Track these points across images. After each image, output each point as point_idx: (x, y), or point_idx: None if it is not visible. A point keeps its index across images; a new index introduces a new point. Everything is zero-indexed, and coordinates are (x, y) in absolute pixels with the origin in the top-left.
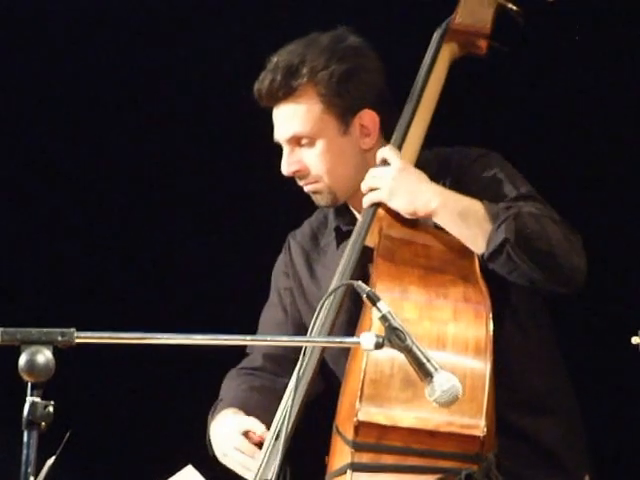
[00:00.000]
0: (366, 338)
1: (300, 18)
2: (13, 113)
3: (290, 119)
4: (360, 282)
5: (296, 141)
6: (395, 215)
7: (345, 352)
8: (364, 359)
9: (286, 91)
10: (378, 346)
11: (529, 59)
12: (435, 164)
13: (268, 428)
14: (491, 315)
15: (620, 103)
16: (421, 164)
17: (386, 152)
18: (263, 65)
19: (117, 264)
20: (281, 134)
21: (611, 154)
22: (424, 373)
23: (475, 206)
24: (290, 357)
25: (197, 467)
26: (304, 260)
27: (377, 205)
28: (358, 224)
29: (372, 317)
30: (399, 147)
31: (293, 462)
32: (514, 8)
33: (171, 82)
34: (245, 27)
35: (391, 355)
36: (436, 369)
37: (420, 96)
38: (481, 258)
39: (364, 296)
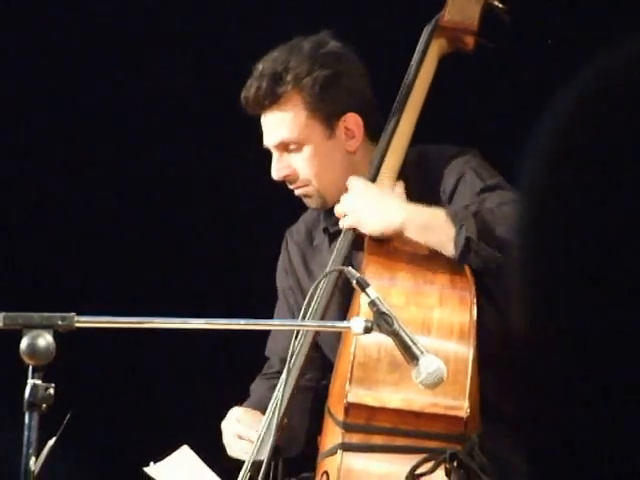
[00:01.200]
0: (356, 322)
1: (290, 17)
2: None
3: (277, 126)
4: (350, 268)
5: (284, 147)
6: None
7: (339, 339)
8: (353, 343)
9: (272, 99)
10: (367, 330)
11: (514, 55)
12: (415, 161)
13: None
14: (475, 301)
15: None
16: (405, 161)
17: (350, 180)
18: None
19: (120, 252)
20: (269, 140)
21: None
22: (410, 356)
23: (436, 214)
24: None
25: (193, 448)
26: (301, 258)
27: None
28: None
29: (361, 303)
30: (388, 141)
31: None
32: (500, 6)
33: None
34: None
35: (378, 340)
36: (422, 352)
37: (409, 92)
38: (458, 260)
39: (354, 282)
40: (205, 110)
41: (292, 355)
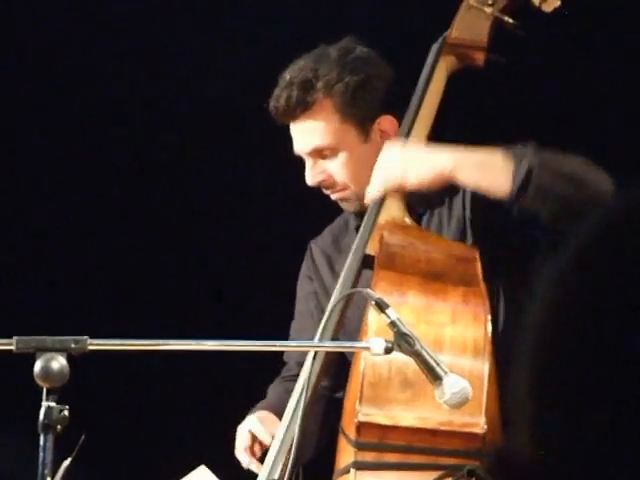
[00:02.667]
0: (375, 343)
1: (298, 33)
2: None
3: (310, 133)
4: (369, 290)
5: (318, 153)
6: (396, 222)
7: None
8: (362, 363)
9: (303, 107)
10: (388, 351)
11: (529, 68)
12: None
13: None
14: (490, 317)
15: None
16: None
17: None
18: (274, 82)
19: (132, 273)
20: (302, 148)
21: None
22: (434, 376)
23: (491, 152)
24: None
25: (211, 468)
26: (326, 262)
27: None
28: (360, 233)
29: (369, 322)
30: None
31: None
32: (510, 21)
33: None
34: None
35: (388, 358)
36: (445, 372)
37: (418, 110)
38: (511, 200)
39: (372, 303)
40: (219, 120)
41: (308, 375)
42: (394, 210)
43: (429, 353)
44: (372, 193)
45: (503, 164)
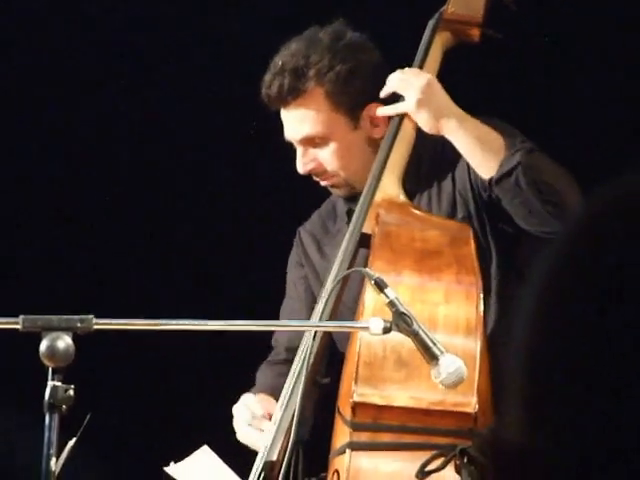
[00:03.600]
0: (374, 323)
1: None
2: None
3: (301, 121)
4: (368, 269)
5: (309, 141)
6: (392, 200)
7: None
8: (357, 343)
9: (295, 94)
10: (386, 330)
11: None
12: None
13: None
14: (482, 295)
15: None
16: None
17: (411, 71)
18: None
19: (136, 255)
20: (293, 135)
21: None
22: (430, 356)
23: (493, 134)
24: None
25: (214, 448)
26: (315, 245)
27: (400, 126)
28: (356, 211)
29: (365, 302)
30: (394, 137)
31: (304, 443)
32: None
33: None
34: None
35: (384, 338)
36: (442, 352)
37: None
38: (487, 183)
39: (372, 282)
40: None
41: (305, 355)
42: (390, 188)
43: (426, 332)
44: (385, 110)
45: (499, 149)
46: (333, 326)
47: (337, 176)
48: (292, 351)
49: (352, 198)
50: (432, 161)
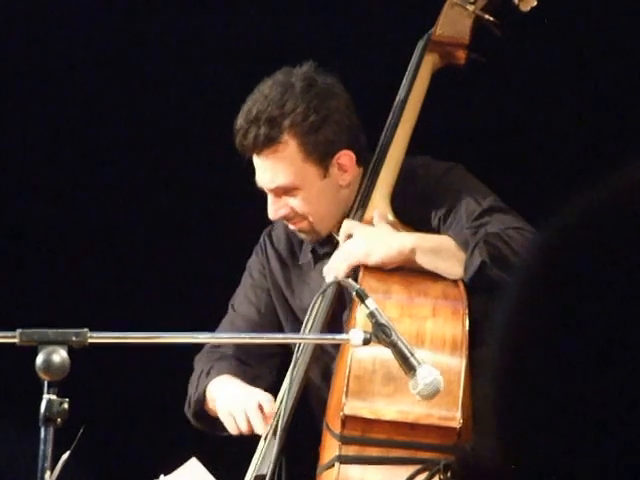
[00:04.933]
0: (354, 334)
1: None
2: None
3: (273, 172)
4: (350, 280)
5: (280, 190)
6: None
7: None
8: (349, 356)
9: (268, 144)
10: (366, 342)
11: (506, 69)
12: (403, 177)
13: None
14: (467, 312)
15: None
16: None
17: (347, 225)
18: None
19: (131, 267)
20: (265, 184)
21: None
22: (408, 367)
23: (445, 240)
24: (256, 351)
25: (202, 460)
26: (280, 268)
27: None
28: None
29: (357, 316)
30: (382, 157)
31: (289, 457)
32: (491, 19)
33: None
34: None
35: (373, 352)
36: (419, 363)
37: (403, 107)
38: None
39: (353, 293)
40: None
41: (294, 367)
42: (380, 206)
43: (404, 344)
44: (337, 272)
45: (455, 252)
46: (316, 338)
47: (305, 220)
48: (241, 348)
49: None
50: (422, 197)
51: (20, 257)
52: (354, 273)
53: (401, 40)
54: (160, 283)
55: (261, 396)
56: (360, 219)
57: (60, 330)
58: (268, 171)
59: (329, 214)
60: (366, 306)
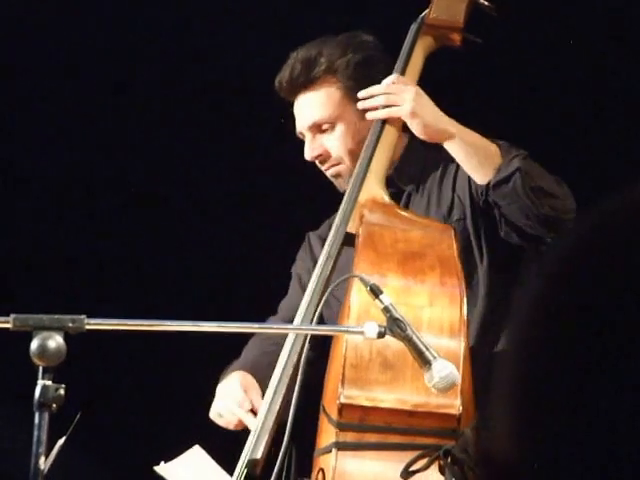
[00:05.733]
0: (369, 327)
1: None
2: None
3: (311, 107)
4: (364, 275)
5: (317, 128)
6: (376, 201)
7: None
8: (344, 345)
9: (305, 80)
10: (380, 335)
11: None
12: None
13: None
14: (465, 298)
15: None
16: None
17: (397, 78)
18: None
19: (130, 253)
20: (302, 123)
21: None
22: (423, 361)
23: (487, 141)
24: None
25: (205, 448)
26: (322, 247)
27: (384, 128)
28: (340, 211)
29: (351, 305)
30: (377, 140)
31: (297, 442)
32: (485, 3)
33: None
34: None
35: (369, 341)
36: (435, 357)
37: None
38: (484, 188)
39: (367, 289)
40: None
41: (288, 355)
42: (374, 188)
43: (419, 338)
44: (374, 115)
45: (494, 156)
46: (327, 330)
47: (342, 163)
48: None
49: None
50: (436, 163)
51: (16, 243)
52: (345, 257)
53: (393, 23)
54: (161, 270)
55: (242, 414)
56: (354, 202)
57: (56, 316)
58: (306, 108)
59: None
60: (380, 301)
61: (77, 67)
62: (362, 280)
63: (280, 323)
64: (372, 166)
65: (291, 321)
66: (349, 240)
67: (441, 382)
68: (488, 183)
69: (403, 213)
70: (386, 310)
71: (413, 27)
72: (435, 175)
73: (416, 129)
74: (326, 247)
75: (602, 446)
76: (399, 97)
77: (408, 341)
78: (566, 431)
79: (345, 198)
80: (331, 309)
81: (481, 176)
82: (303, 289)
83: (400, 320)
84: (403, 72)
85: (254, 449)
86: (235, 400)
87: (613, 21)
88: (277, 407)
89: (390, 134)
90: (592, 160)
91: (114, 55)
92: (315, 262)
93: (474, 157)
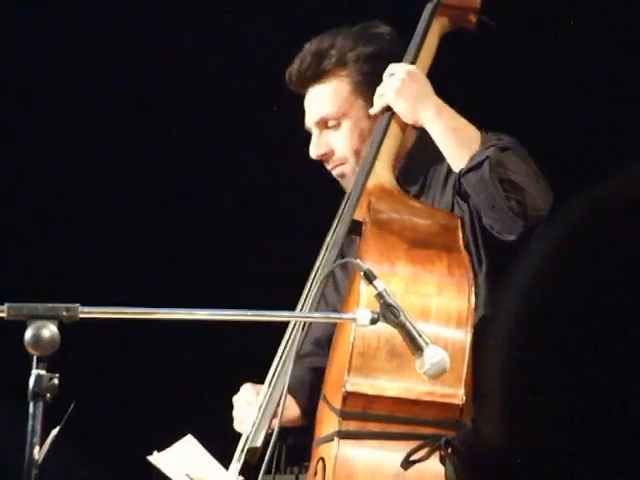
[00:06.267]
0: (362, 314)
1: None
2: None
3: (318, 101)
4: (358, 260)
5: (324, 123)
6: (384, 188)
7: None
8: (352, 333)
9: (315, 72)
10: (373, 321)
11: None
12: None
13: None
14: (473, 287)
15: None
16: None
17: (391, 66)
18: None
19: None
20: (310, 118)
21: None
22: (415, 347)
23: (470, 128)
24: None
25: (198, 437)
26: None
27: (387, 109)
28: (348, 198)
29: (360, 292)
30: (389, 121)
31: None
32: None
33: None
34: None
35: (378, 328)
36: (427, 343)
37: None
38: (457, 176)
39: (362, 274)
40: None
41: (287, 344)
42: (382, 176)
43: (412, 324)
44: (377, 107)
45: (471, 142)
46: (321, 317)
47: (346, 163)
48: (319, 344)
49: None
50: (441, 162)
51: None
52: (351, 246)
53: (409, 2)
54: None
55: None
56: (361, 190)
57: (50, 304)
58: (314, 102)
59: None
60: (374, 287)
61: (77, 67)
62: (357, 265)
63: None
64: (380, 154)
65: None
66: (355, 228)
67: (432, 368)
68: (460, 171)
69: (410, 201)
70: (379, 296)
71: (428, 7)
72: (439, 178)
73: (398, 111)
74: (332, 234)
75: (590, 438)
76: (388, 79)
77: (401, 327)
78: (551, 424)
79: (352, 185)
80: (336, 297)
81: (457, 163)
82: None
83: (393, 306)
84: (418, 51)
85: (254, 438)
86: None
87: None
88: (277, 395)
89: (398, 122)
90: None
91: (113, 55)
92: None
93: (452, 142)
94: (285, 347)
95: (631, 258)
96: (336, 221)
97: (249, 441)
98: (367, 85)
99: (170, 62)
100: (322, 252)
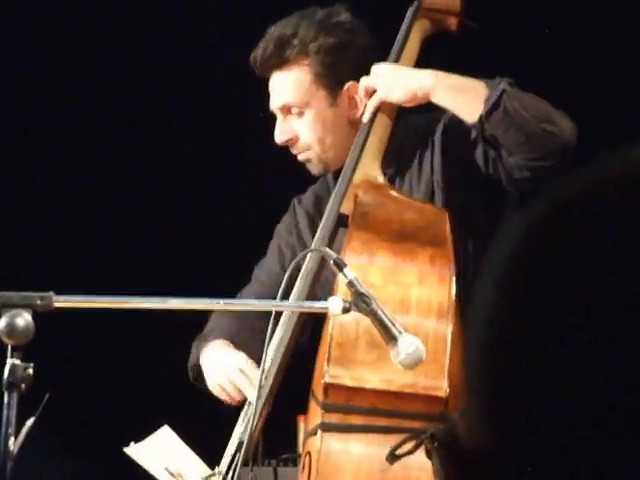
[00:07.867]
0: (334, 303)
1: None
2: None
3: (281, 88)
4: (327, 249)
5: (287, 110)
6: (370, 182)
7: None
8: (330, 324)
9: (277, 61)
10: (345, 310)
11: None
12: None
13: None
14: (454, 278)
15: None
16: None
17: (373, 67)
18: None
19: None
20: (273, 103)
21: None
22: (389, 336)
23: (469, 79)
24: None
25: (174, 428)
26: (308, 224)
27: (378, 110)
28: (335, 191)
29: (338, 283)
30: (372, 121)
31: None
32: None
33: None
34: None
35: (356, 319)
36: (400, 332)
37: None
38: (478, 125)
39: (331, 262)
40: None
41: (269, 337)
42: (369, 169)
43: (385, 313)
44: (366, 115)
45: (479, 89)
46: (294, 306)
47: (310, 149)
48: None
49: (338, 176)
50: (413, 148)
51: None
52: (339, 238)
53: (391, 5)
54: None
55: (242, 363)
56: (348, 183)
57: (24, 293)
58: (277, 88)
59: (336, 146)
60: (344, 275)
61: (77, 67)
62: (325, 254)
63: (255, 294)
64: (367, 147)
65: (270, 287)
66: (343, 221)
67: (407, 358)
68: (480, 117)
69: (398, 195)
70: (350, 284)
71: (410, 10)
72: (413, 160)
73: (397, 101)
74: (320, 229)
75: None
76: (373, 84)
77: (373, 316)
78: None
79: (340, 179)
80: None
81: (472, 113)
82: (280, 262)
83: (365, 295)
84: (400, 54)
85: (245, 431)
86: (235, 371)
87: None
88: (268, 388)
89: (384, 116)
90: None
91: (113, 55)
92: (299, 234)
93: (460, 100)
94: (278, 340)
95: (623, 236)
96: (325, 215)
97: (241, 435)
98: (328, 76)
99: (170, 62)
100: (312, 246)
